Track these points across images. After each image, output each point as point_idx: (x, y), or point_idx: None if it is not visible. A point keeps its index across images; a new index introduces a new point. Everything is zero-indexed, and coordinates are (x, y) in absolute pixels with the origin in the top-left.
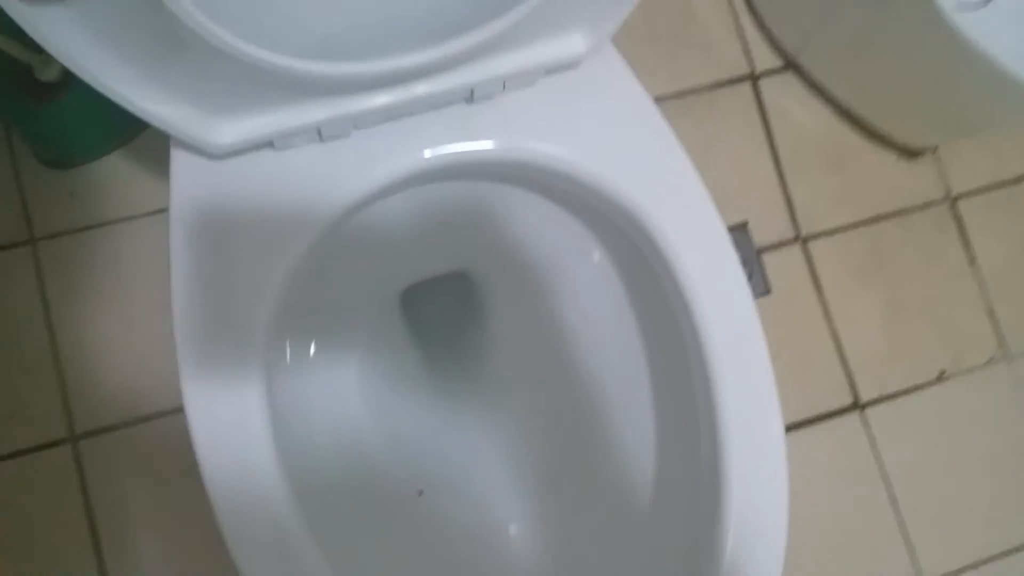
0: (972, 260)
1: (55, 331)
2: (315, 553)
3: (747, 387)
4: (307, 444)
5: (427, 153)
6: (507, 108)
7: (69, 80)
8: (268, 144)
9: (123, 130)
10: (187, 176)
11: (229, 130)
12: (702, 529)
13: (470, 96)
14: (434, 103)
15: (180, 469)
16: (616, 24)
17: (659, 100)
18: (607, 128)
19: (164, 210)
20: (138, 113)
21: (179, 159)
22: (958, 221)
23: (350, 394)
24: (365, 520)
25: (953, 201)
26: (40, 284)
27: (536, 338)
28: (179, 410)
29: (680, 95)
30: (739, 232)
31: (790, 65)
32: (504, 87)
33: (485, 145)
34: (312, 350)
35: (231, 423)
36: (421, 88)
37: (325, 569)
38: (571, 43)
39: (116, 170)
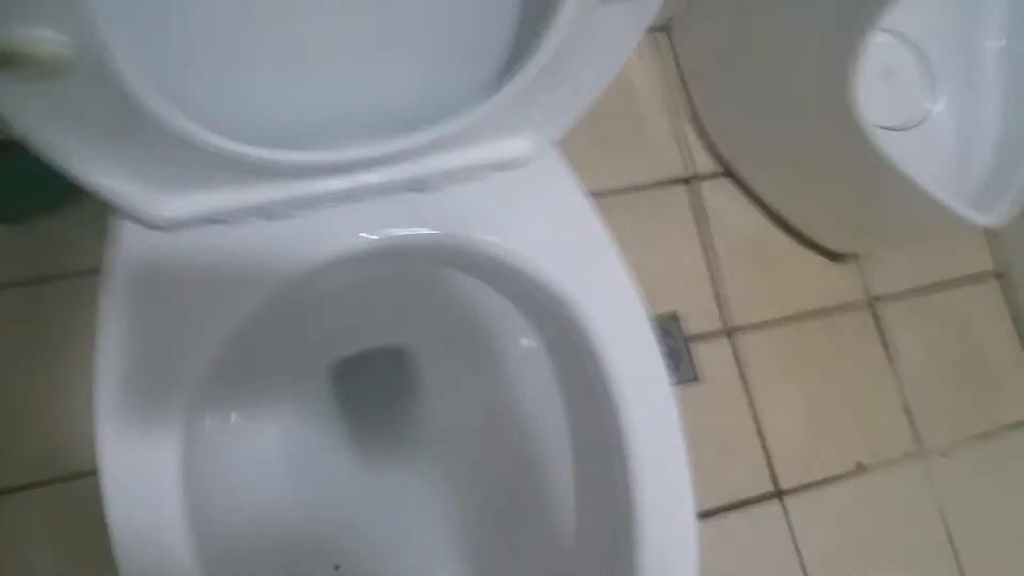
0: (891, 359)
1: None
2: None
3: (662, 473)
4: (223, 513)
5: (371, 236)
6: (453, 198)
7: (14, 143)
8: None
9: (65, 194)
10: (127, 240)
11: (175, 205)
12: None
13: (418, 186)
14: (383, 191)
15: (92, 533)
16: (560, 132)
17: (602, 195)
18: (544, 222)
19: (99, 271)
20: (84, 184)
21: (121, 225)
22: (878, 322)
23: (271, 464)
24: None
25: (874, 303)
26: None
27: (466, 416)
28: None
29: (623, 191)
30: (670, 321)
31: (726, 171)
32: (451, 180)
33: (428, 231)
34: (233, 418)
35: (143, 487)
36: (370, 177)
37: None
38: (518, 146)
39: (56, 229)
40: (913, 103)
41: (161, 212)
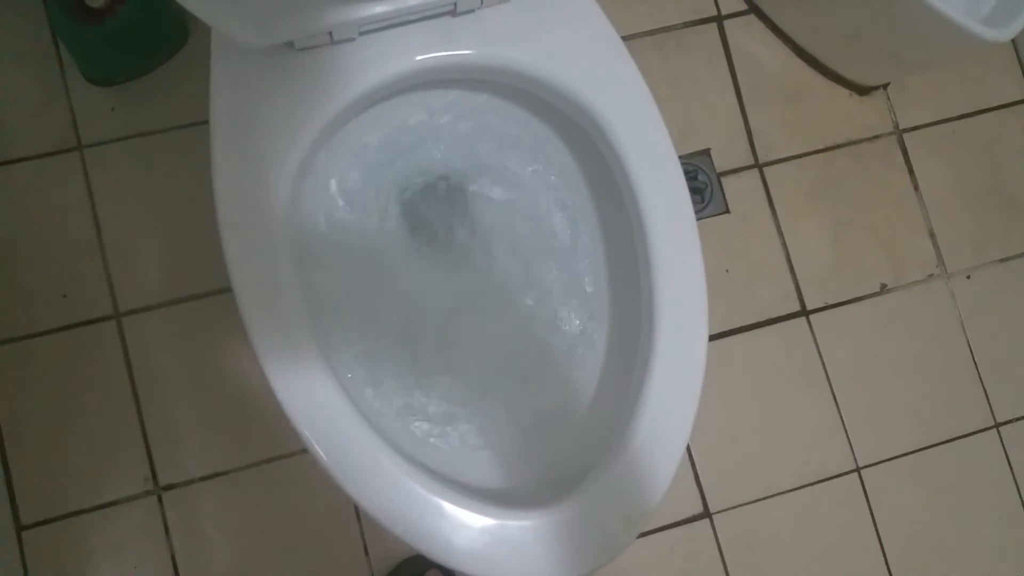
0: (915, 187)
1: (100, 224)
2: None
3: (675, 234)
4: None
5: (417, 57)
6: (485, 22)
7: (112, 7)
8: (289, 44)
9: (153, 57)
10: (225, 69)
11: (261, 31)
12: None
13: (454, 9)
14: (424, 13)
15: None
16: None
17: (633, 37)
18: (568, 40)
19: (190, 125)
20: (200, 15)
21: (218, 53)
22: (904, 152)
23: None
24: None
25: (900, 134)
26: (87, 184)
27: (512, 218)
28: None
29: (652, 33)
30: (702, 157)
31: (752, 8)
32: (482, 3)
33: (465, 51)
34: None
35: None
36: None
37: None
38: None
39: (150, 89)
40: None
41: (249, 38)
